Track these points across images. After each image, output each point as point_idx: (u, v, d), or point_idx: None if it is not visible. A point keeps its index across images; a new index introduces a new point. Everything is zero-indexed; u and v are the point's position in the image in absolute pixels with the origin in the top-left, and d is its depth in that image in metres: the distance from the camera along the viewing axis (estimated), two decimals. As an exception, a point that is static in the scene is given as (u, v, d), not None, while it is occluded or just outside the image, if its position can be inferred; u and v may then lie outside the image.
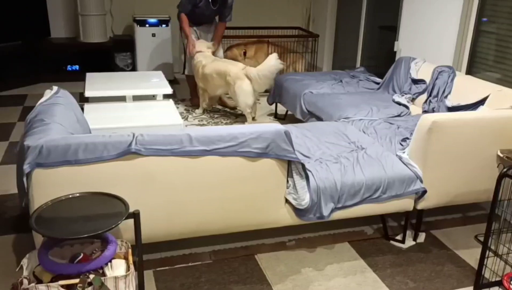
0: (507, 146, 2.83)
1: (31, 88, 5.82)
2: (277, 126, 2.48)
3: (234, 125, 3.45)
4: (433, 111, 3.69)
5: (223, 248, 2.82)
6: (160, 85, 4.46)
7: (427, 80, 3.95)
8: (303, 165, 2.54)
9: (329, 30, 6.74)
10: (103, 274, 2.02)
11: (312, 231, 3.01)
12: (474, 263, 2.74)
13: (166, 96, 4.37)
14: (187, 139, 2.31)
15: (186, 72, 5.33)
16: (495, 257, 2.77)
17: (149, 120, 3.72)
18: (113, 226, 1.94)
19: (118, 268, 2.10)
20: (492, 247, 2.85)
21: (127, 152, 2.23)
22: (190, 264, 2.67)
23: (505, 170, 2.35)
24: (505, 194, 2.66)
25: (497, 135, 2.80)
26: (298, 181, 2.53)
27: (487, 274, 2.62)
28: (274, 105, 5.06)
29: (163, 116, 3.83)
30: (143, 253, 2.63)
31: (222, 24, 5.14)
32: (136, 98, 4.26)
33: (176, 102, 5.38)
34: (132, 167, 2.28)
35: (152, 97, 4.43)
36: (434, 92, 3.80)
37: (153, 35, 6.13)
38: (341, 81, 4.64)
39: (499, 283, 2.56)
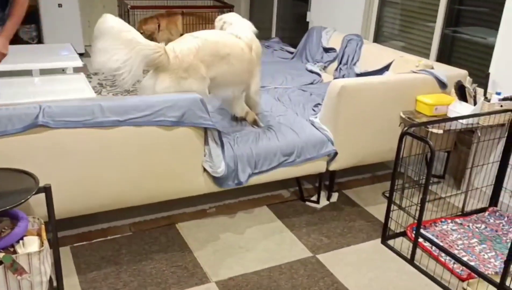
0: (408, 107, 3.05)
1: None
2: (192, 94, 2.48)
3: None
4: (343, 78, 3.86)
5: (143, 219, 2.81)
6: (69, 58, 4.26)
7: (338, 48, 4.11)
8: (219, 133, 2.57)
9: (244, 1, 6.74)
10: (15, 252, 1.94)
11: (232, 198, 3.07)
12: (382, 217, 2.95)
13: (76, 70, 4.18)
14: (98, 110, 2.25)
15: None
16: (399, 210, 3.01)
17: (59, 94, 3.55)
18: (22, 201, 1.86)
19: (31, 245, 2.03)
20: (397, 202, 3.09)
21: (34, 125, 2.13)
22: (109, 237, 2.64)
23: (406, 128, 2.54)
24: (407, 152, 2.88)
25: (399, 97, 3.00)
26: (213, 149, 2.56)
27: (393, 226, 2.84)
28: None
29: (74, 91, 3.67)
30: (59, 230, 2.56)
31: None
32: (44, 72, 4.04)
33: (88, 76, 5.16)
34: (41, 140, 2.18)
35: (62, 71, 4.22)
36: (344, 60, 3.97)
37: (60, 5, 5.78)
38: (256, 51, 4.68)
39: (403, 234, 2.79)
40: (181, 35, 5.94)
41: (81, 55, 4.93)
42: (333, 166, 2.98)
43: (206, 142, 2.56)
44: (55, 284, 2.21)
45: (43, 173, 2.20)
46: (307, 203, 3.09)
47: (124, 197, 2.46)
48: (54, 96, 3.47)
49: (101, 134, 2.29)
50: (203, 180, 2.63)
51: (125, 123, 2.31)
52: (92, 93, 3.62)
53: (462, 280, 2.43)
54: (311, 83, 3.88)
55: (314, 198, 3.11)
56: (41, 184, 2.00)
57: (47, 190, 2.01)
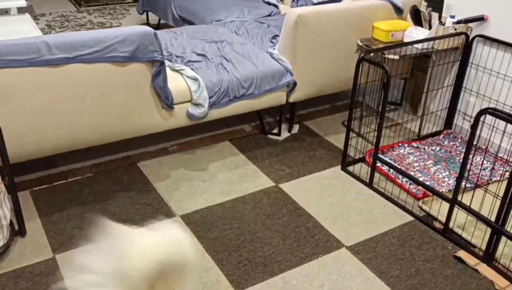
0: (366, 35, 3.04)
1: None
2: (145, 28, 2.38)
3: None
4: (301, 9, 3.79)
5: (104, 160, 2.77)
6: (12, -3, 3.99)
7: (294, -22, 4.00)
8: (164, 68, 2.49)
9: None
10: (-30, 197, 1.90)
11: (193, 135, 3.06)
12: (342, 146, 3.01)
13: (21, 11, 3.94)
14: (45, 47, 2.14)
15: None
16: (358, 137, 3.07)
17: (3, 37, 3.36)
18: (-29, 144, 1.79)
19: (-14, 189, 1.98)
20: (356, 130, 3.15)
21: (-24, 65, 2.01)
22: (70, 180, 2.60)
23: (362, 54, 2.54)
24: (364, 80, 2.91)
25: (357, 25, 2.98)
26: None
27: (352, 153, 2.91)
28: (145, 14, 4.83)
29: (20, 33, 3.47)
30: (16, 175, 2.50)
31: None
32: (-16, 13, 3.79)
33: (35, 18, 4.89)
34: (-14, 82, 2.07)
35: (5, 13, 3.97)
36: (301, -10, 3.88)
37: None
38: (211, -16, 4.51)
39: (362, 160, 2.87)
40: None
41: (25, -5, 4.63)
42: (293, 97, 2.98)
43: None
44: (16, 227, 2.18)
45: (-9, 116, 2.11)
46: (269, 136, 3.11)
47: (80, 137, 2.41)
48: (-1, 39, 3.28)
49: (50, 73, 2.19)
50: (161, 117, 2.59)
51: (74, 60, 2.21)
52: (39, 34, 3.44)
53: (418, 199, 2.54)
54: (269, 15, 3.80)
55: (275, 131, 3.13)
56: (-10, 127, 1.93)
57: (-3, 132, 1.94)
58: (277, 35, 3.25)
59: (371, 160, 2.66)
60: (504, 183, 2.08)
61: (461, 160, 2.86)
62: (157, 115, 2.57)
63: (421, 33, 2.89)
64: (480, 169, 2.63)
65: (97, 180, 2.61)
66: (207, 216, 2.38)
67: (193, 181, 2.63)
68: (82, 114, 2.34)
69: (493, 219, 2.12)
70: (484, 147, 2.94)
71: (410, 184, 2.62)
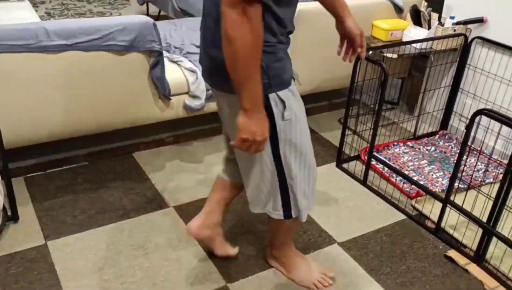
0: (365, 33, 3.02)
1: None
2: (144, 17, 2.38)
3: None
4: (301, 5, 3.78)
5: (99, 149, 2.77)
6: (11, -17, 3.97)
7: (296, -26, 3.99)
8: (161, 58, 2.50)
9: None
10: (-37, 181, 1.89)
11: (189, 127, 3.05)
12: (337, 143, 3.01)
13: (20, -4, 3.93)
14: (43, 33, 2.13)
15: None
16: (354, 135, 3.08)
17: (1, 23, 3.34)
18: (-34, 127, 1.79)
19: (-20, 174, 1.98)
20: (352, 128, 3.15)
21: (-27, 49, 2.01)
22: (64, 167, 2.60)
23: (361, 52, 2.54)
24: (362, 78, 2.91)
25: (358, 22, 2.97)
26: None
27: (347, 150, 2.91)
28: (145, 5, 4.81)
29: (19, 19, 3.45)
30: (11, 161, 2.49)
31: None
32: (-16, -1, 3.77)
33: (34, 5, 4.87)
34: (-18, 66, 2.07)
35: (4, -1, 3.95)
36: (302, -14, 3.87)
37: None
38: (212, -23, 4.50)
39: (357, 157, 2.88)
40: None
41: (25, -18, 4.60)
42: (290, 93, 2.98)
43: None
44: (9, 213, 2.18)
45: (-13, 100, 2.10)
46: (265, 130, 3.10)
47: (75, 125, 2.40)
48: (-3, 24, 3.27)
49: (47, 59, 2.18)
50: (158, 107, 2.58)
51: (72, 47, 2.21)
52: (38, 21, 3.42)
53: (411, 198, 2.55)
54: (269, 10, 3.79)
55: (271, 125, 3.13)
56: (-14, 111, 1.93)
57: (-8, 117, 1.93)
58: (277, 30, 3.25)
59: (366, 158, 2.67)
60: (497, 185, 2.09)
61: (455, 161, 2.87)
62: (154, 105, 2.56)
63: (420, 33, 2.89)
64: (474, 170, 2.64)
65: (91, 169, 2.60)
66: (201, 208, 2.38)
67: (188, 173, 2.64)
68: (78, 102, 2.34)
69: (484, 220, 2.13)
70: (478, 148, 2.96)
71: (404, 183, 2.63)
